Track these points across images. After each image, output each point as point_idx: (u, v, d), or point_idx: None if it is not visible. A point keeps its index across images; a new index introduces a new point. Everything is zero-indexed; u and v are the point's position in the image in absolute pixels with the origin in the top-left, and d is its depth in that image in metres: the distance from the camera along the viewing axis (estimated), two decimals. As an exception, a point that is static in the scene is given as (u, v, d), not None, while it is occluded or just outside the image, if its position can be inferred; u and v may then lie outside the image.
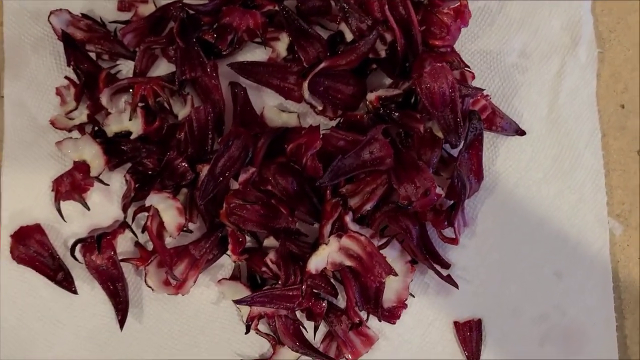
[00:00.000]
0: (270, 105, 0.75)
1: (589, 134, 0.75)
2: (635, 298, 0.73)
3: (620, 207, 0.74)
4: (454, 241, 0.71)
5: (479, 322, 0.73)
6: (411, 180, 0.68)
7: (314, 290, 0.69)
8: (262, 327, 0.72)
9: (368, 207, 0.69)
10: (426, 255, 0.71)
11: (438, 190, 0.68)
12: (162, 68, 0.76)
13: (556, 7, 0.76)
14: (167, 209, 0.69)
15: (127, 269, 0.74)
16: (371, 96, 0.71)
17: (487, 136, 0.74)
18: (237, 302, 0.66)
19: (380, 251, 0.69)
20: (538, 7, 0.76)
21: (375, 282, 0.68)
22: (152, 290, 0.70)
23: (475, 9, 0.75)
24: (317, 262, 0.67)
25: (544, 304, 0.73)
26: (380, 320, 0.69)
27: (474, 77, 0.71)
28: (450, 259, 0.73)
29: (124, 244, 0.74)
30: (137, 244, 0.73)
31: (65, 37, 0.72)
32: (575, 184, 0.74)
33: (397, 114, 0.70)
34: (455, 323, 0.73)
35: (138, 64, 0.74)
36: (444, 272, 0.72)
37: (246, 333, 0.68)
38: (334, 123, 0.74)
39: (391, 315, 0.70)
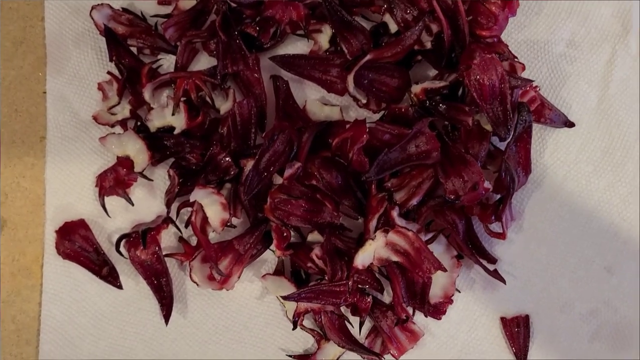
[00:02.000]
0: (312, 98, 0.74)
1: (640, 125, 0.73)
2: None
3: (673, 200, 0.72)
4: (501, 236, 0.70)
5: (526, 318, 0.71)
6: (459, 174, 0.67)
7: (360, 285, 0.69)
8: (307, 322, 0.72)
9: (414, 201, 0.68)
10: (472, 250, 0.70)
11: (486, 184, 0.67)
12: (203, 62, 0.75)
13: (606, -6, 0.73)
14: (211, 204, 0.69)
15: (171, 264, 0.74)
16: (416, 88, 0.70)
17: (535, 128, 0.73)
18: (284, 298, 0.66)
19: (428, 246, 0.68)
20: (587, -6, 0.74)
21: (423, 278, 0.67)
22: (197, 285, 0.70)
23: (522, -2, 0.73)
24: (364, 257, 0.66)
25: (594, 299, 0.71)
26: (426, 316, 0.68)
27: (524, 69, 0.69)
28: (497, 254, 0.72)
29: (167, 239, 0.74)
30: (181, 239, 0.73)
31: (107, 32, 0.72)
32: (627, 177, 0.72)
33: (443, 107, 0.68)
34: (502, 319, 0.72)
35: (179, 59, 0.74)
36: (491, 267, 0.71)
37: (293, 329, 0.68)
38: (377, 116, 0.73)
39: (437, 311, 0.69)
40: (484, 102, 0.66)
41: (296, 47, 0.75)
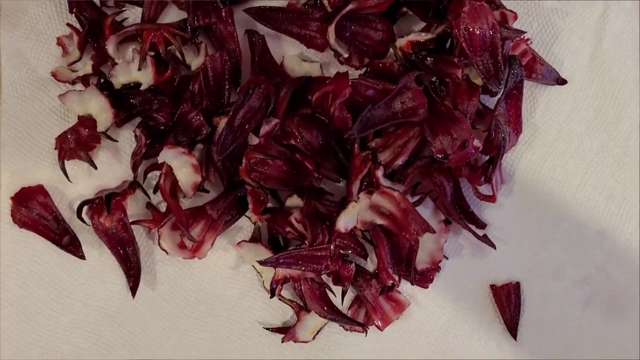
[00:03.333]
0: (290, 54, 0.69)
1: (634, 82, 0.69)
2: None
3: (669, 160, 0.69)
4: (491, 198, 0.66)
5: (517, 286, 0.68)
6: (447, 132, 0.63)
7: (342, 251, 0.64)
8: (286, 293, 0.67)
9: (399, 161, 0.64)
10: (461, 214, 0.66)
11: (476, 142, 0.63)
12: (172, 15, 0.70)
13: (599, -56, 0.70)
14: (182, 166, 0.64)
15: (138, 233, 0.68)
16: (402, 41, 0.65)
17: (526, 86, 0.69)
18: (261, 263, 0.61)
19: (412, 209, 0.64)
20: (579, -55, 0.70)
21: (410, 241, 0.63)
22: (167, 253, 0.64)
23: (512, -52, 0.69)
24: (347, 220, 0.62)
25: (587, 265, 0.68)
26: (412, 284, 0.64)
27: (515, 18, 0.65)
28: (486, 219, 0.68)
29: (134, 205, 0.68)
30: (149, 205, 0.68)
31: (66, -20, 0.66)
32: (620, 136, 0.69)
33: (431, 60, 0.64)
34: (492, 287, 0.68)
35: (146, 11, 0.68)
36: (480, 232, 0.67)
37: (271, 297, 0.63)
38: (359, 73, 0.69)
39: (424, 279, 0.65)
40: (474, 54, 0.62)
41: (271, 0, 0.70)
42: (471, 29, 0.61)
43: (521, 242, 0.68)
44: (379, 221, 0.62)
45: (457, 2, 0.62)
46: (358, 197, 0.62)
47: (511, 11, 0.65)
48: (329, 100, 0.63)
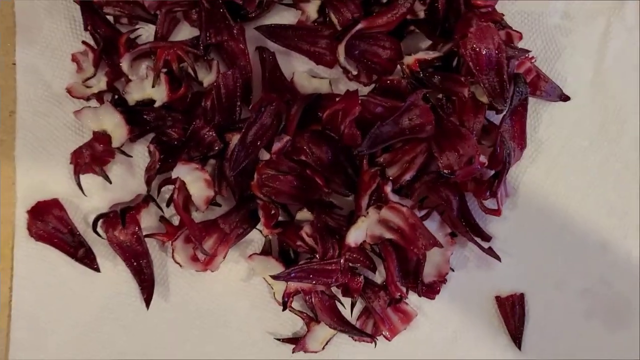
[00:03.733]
0: (300, 71, 0.71)
1: (635, 98, 0.71)
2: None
3: (669, 174, 0.71)
4: (496, 212, 0.67)
5: (521, 297, 0.70)
6: (453, 148, 0.65)
7: (352, 264, 0.66)
8: (296, 304, 0.69)
9: (407, 177, 0.66)
10: (466, 228, 0.68)
11: (482, 158, 0.65)
12: (184, 33, 0.71)
13: (601, -36, 0.71)
14: (195, 181, 0.66)
15: (152, 246, 0.70)
16: (409, 59, 0.67)
17: (530, 102, 0.70)
18: (274, 277, 0.63)
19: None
20: (582, -35, 0.72)
21: (418, 255, 0.64)
22: (180, 266, 0.66)
23: (517, -32, 0.71)
24: (357, 234, 0.63)
25: (589, 276, 0.70)
26: (420, 296, 0.66)
27: (520, 38, 0.67)
28: (491, 232, 0.70)
29: (148, 219, 0.70)
30: (162, 218, 0.70)
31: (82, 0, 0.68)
32: (622, 151, 0.71)
33: (438, 78, 0.66)
34: (497, 298, 0.70)
35: (159, 28, 0.70)
36: (485, 245, 0.69)
37: (283, 310, 0.65)
38: (367, 89, 0.70)
39: (431, 290, 0.67)
40: (480, 72, 0.64)
41: (283, 17, 0.72)
42: (478, 49, 0.63)
43: (525, 254, 0.70)
44: (388, 235, 0.64)
45: (464, 22, 0.64)
46: (367, 212, 0.64)
47: (516, 31, 0.66)
48: (339, 118, 0.64)
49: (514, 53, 0.64)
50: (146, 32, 0.71)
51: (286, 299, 0.64)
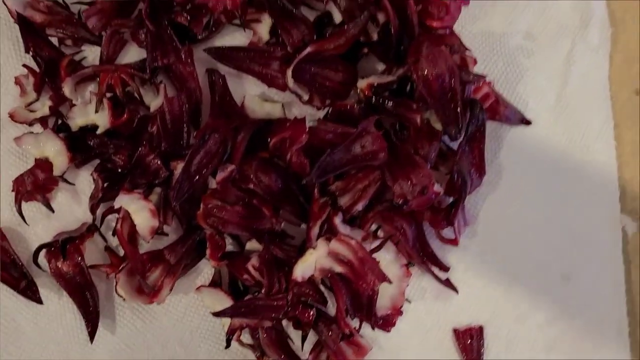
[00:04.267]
0: (251, 94, 0.68)
1: (600, 123, 0.68)
2: (649, 301, 0.68)
3: (634, 203, 0.68)
4: (453, 242, 0.65)
5: (480, 330, 0.67)
6: (407, 177, 0.62)
7: (301, 298, 0.63)
8: (246, 337, 0.66)
9: (359, 206, 0.63)
10: (423, 258, 0.66)
11: (436, 187, 0.62)
12: (133, 54, 0.69)
13: (565, -17, 0.69)
14: (139, 211, 0.63)
15: (99, 276, 0.67)
16: (362, 83, 0.64)
17: (490, 126, 0.68)
18: (215, 314, 0.60)
19: (374, 254, 0.63)
20: (546, -16, 0.69)
21: (368, 290, 0.62)
22: (124, 299, 0.64)
23: (477, -13, 0.68)
24: (304, 268, 0.61)
25: (550, 308, 0.67)
26: (373, 329, 0.63)
27: (475, 63, 0.64)
28: (450, 261, 0.67)
29: (93, 249, 0.67)
30: (107, 248, 0.67)
31: (21, 21, 0.65)
32: (586, 179, 0.68)
33: (391, 104, 0.63)
34: (455, 330, 0.67)
35: (105, 50, 0.67)
36: (443, 276, 0.66)
37: (226, 347, 0.63)
38: (322, 113, 0.68)
39: (386, 322, 0.64)
40: (433, 98, 0.61)
41: (234, 38, 0.69)
42: (429, 74, 0.60)
43: (485, 285, 0.68)
44: (338, 269, 0.61)
45: (417, 46, 0.61)
46: (316, 244, 0.61)
47: (472, 56, 0.64)
48: (287, 146, 0.62)
49: (469, 78, 0.62)
50: (92, 54, 0.69)
51: (230, 336, 0.62)
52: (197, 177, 0.63)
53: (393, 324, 0.65)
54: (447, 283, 0.66)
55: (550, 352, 0.67)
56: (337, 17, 0.65)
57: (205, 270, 0.68)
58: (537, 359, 0.67)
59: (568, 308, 0.67)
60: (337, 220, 0.62)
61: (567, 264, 0.67)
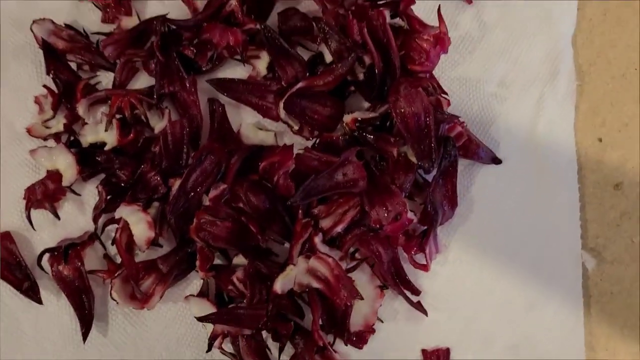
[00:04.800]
0: (247, 122, 0.75)
1: (565, 165, 0.74)
2: (606, 334, 0.72)
3: (595, 240, 0.74)
4: (424, 267, 0.70)
5: (447, 352, 0.71)
6: (383, 204, 0.68)
7: (281, 311, 0.68)
8: (228, 346, 0.71)
9: (339, 229, 0.69)
10: (396, 281, 0.71)
11: (410, 215, 0.68)
12: (143, 81, 0.76)
13: (537, 38, 0.76)
14: (137, 222, 0.69)
15: (96, 281, 0.73)
16: (347, 118, 0.71)
17: (464, 164, 0.74)
18: (199, 319, 0.65)
19: (351, 274, 0.68)
20: (519, 38, 0.76)
21: (342, 306, 0.67)
22: (117, 303, 0.69)
23: (457, 37, 0.75)
24: (284, 282, 0.66)
25: (514, 335, 0.72)
26: (346, 345, 0.68)
27: (449, 104, 0.71)
28: (422, 286, 0.72)
29: (92, 256, 0.73)
30: (105, 256, 0.73)
31: (45, 46, 0.73)
32: (550, 216, 0.73)
33: (372, 137, 0.70)
34: (423, 351, 0.72)
35: (118, 76, 0.74)
36: (414, 299, 0.71)
37: (207, 351, 0.67)
38: (310, 143, 0.74)
39: (359, 340, 0.69)
40: (409, 134, 0.67)
41: (235, 71, 0.76)
42: (406, 112, 0.67)
43: (453, 310, 0.72)
44: (315, 284, 0.67)
45: (396, 86, 0.68)
46: (297, 261, 0.67)
47: (446, 98, 0.70)
48: (275, 169, 0.68)
49: (443, 117, 0.68)
50: (106, 79, 0.76)
51: (211, 341, 0.67)
52: (192, 194, 0.69)
53: (365, 342, 0.70)
54: (418, 306, 0.71)
55: (512, 376, 0.71)
56: (328, 58, 0.72)
57: (195, 281, 0.73)
58: (500, 382, 0.71)
59: (531, 336, 0.72)
60: (317, 240, 0.67)
61: (531, 295, 0.72)
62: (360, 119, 0.70)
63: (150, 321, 0.73)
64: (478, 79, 0.76)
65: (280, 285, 0.66)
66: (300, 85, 0.69)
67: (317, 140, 0.73)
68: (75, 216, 0.74)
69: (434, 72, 0.73)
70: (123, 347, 0.73)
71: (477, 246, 0.73)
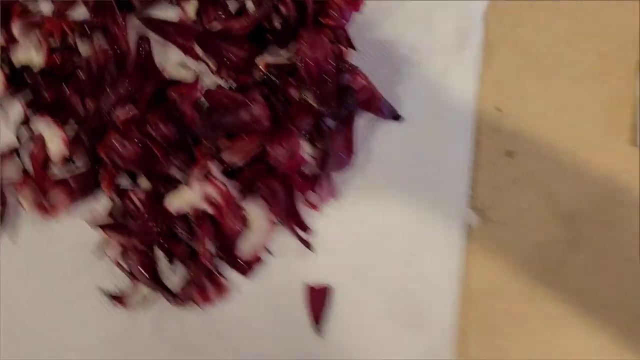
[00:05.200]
0: (172, 60, 0.80)
1: (464, 129, 0.79)
2: (481, 289, 0.76)
3: (482, 201, 0.78)
4: (315, 207, 0.75)
5: (326, 288, 0.76)
6: (281, 143, 0.73)
7: (175, 230, 0.73)
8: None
9: (238, 161, 0.74)
10: (289, 218, 0.75)
11: (305, 155, 0.72)
12: (80, 13, 0.81)
13: (450, 9, 0.81)
14: (52, 138, 0.74)
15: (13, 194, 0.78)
16: (260, 61, 0.76)
17: (368, 118, 0.79)
18: (89, 223, 0.70)
19: (246, 207, 0.73)
20: (435, 7, 0.81)
21: (231, 232, 0.71)
22: (23, 208, 0.74)
23: (375, 2, 0.81)
24: (177, 201, 0.71)
25: (395, 281, 0.76)
26: (232, 268, 0.73)
27: (353, 54, 0.75)
28: (314, 226, 0.77)
29: (13, 168, 0.78)
30: (24, 171, 0.78)
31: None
32: (443, 173, 0.78)
33: (279, 81, 0.75)
34: (307, 286, 0.76)
35: (56, 6, 0.80)
36: (304, 235, 0.75)
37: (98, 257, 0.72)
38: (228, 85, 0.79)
39: (244, 268, 0.74)
40: (310, 79, 0.72)
41: (167, 13, 0.82)
42: (308, 58, 0.72)
43: (340, 251, 0.76)
44: (207, 209, 0.71)
45: (302, 34, 0.73)
46: (192, 185, 0.72)
47: (352, 48, 0.75)
48: (182, 100, 0.73)
49: (344, 67, 0.73)
50: (47, 7, 0.82)
51: (103, 248, 0.72)
52: (107, 117, 0.74)
53: (252, 269, 0.74)
54: (306, 242, 0.75)
55: (387, 319, 0.75)
56: (250, 6, 0.78)
57: (104, 201, 0.78)
58: (374, 323, 0.75)
59: (409, 284, 0.76)
60: (213, 166, 0.72)
61: (415, 244, 0.76)
62: (270, 62, 0.75)
63: (59, 235, 0.77)
64: (392, 42, 0.81)
65: (175, 205, 0.71)
66: (216, 25, 0.75)
67: (234, 82, 0.78)
68: (2, 131, 0.79)
69: (351, 32, 0.78)
70: (31, 257, 0.77)
71: (371, 194, 0.78)
